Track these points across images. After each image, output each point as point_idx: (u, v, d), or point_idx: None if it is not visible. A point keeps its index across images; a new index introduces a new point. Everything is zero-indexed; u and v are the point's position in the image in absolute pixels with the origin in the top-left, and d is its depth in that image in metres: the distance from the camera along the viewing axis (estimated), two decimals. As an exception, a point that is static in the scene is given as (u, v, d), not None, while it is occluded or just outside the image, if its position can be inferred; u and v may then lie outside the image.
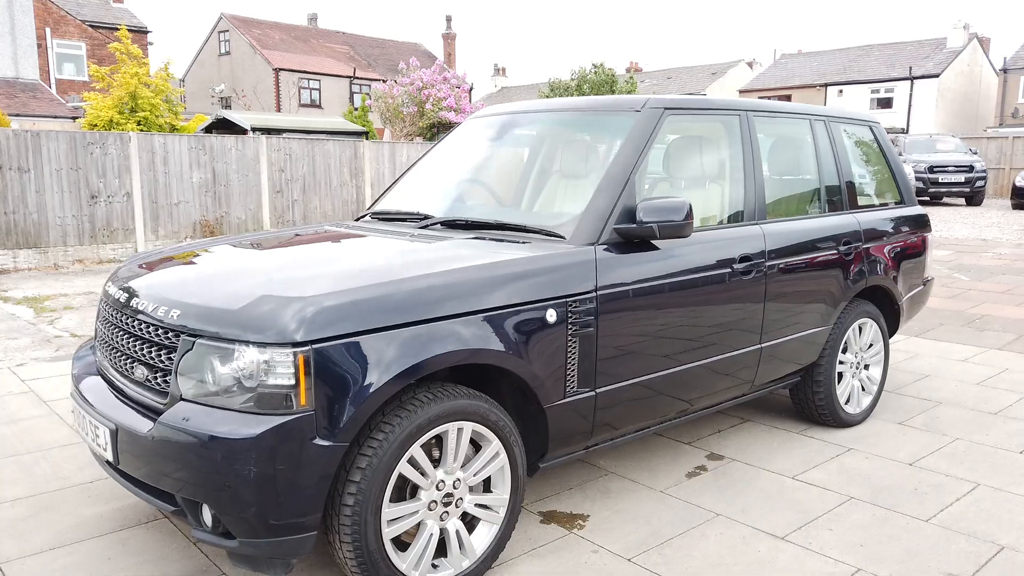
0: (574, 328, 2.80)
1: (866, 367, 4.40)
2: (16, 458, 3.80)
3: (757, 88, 45.97)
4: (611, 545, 2.98)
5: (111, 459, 2.51)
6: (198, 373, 2.32)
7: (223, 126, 16.18)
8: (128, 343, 2.62)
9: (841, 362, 4.17)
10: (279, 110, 35.11)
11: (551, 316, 2.73)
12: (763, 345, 3.62)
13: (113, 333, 2.74)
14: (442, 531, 2.58)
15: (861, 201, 4.34)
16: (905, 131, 38.16)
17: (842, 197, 4.17)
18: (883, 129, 4.72)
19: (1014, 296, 8.19)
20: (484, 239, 3.02)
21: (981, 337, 6.42)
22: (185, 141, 11.45)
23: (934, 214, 17.92)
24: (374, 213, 3.82)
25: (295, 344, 2.21)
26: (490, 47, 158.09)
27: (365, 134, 16.17)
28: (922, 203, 13.81)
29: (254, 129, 15.01)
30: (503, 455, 2.68)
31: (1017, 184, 19.55)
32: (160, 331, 2.47)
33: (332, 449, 2.27)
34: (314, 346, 2.23)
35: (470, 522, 2.68)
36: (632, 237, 2.99)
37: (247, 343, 2.25)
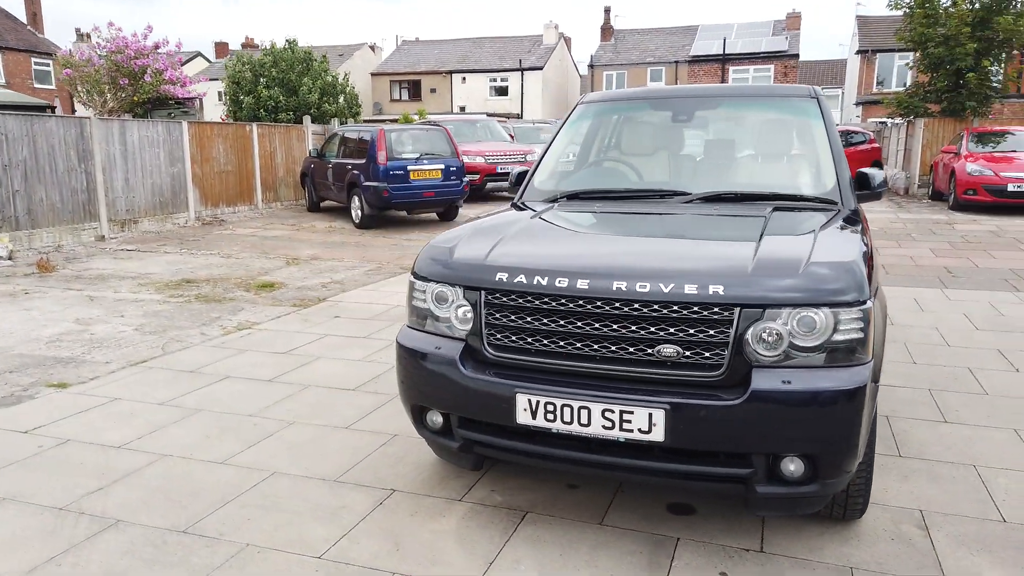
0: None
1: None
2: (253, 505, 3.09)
3: (388, 71, 47.69)
4: (872, 448, 3.71)
5: (662, 439, 2.48)
6: (772, 338, 2.48)
7: None
8: (633, 329, 2.56)
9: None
10: None
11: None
12: None
13: (590, 323, 2.61)
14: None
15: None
16: (520, 116, 43.10)
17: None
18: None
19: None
20: (791, 210, 3.40)
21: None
22: None
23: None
24: (571, 194, 3.81)
25: (863, 302, 2.53)
26: (75, 8, 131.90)
27: (52, 108, 13.32)
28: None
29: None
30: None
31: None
32: (696, 308, 2.51)
33: (877, 390, 2.65)
34: (870, 302, 2.57)
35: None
36: (865, 200, 3.71)
37: (821, 305, 2.48)
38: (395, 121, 24.69)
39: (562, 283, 2.66)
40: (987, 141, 15.39)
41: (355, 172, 12.60)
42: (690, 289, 2.53)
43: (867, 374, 2.50)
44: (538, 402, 2.61)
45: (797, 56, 41.41)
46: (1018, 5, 18.01)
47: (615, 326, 2.60)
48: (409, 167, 12.13)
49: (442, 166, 12.44)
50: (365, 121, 28.39)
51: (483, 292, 2.79)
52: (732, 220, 3.27)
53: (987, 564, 2.71)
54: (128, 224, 12.29)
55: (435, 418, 2.94)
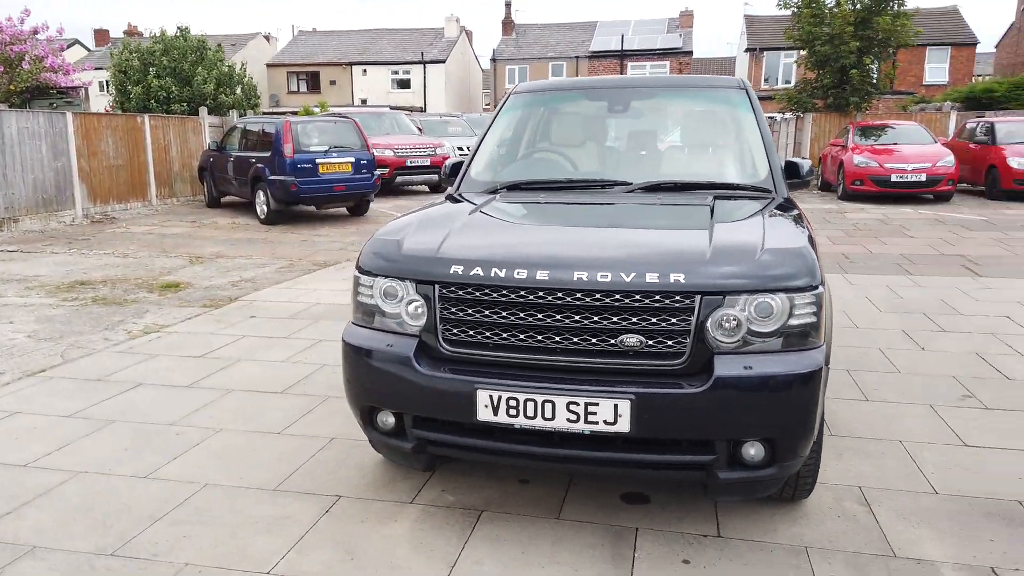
0: None
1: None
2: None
3: (285, 62, 46.18)
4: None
5: (628, 429, 2.45)
6: (731, 325, 2.49)
7: None
8: (595, 319, 2.51)
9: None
10: None
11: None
12: None
13: (551, 315, 2.55)
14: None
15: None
16: (423, 110, 42.62)
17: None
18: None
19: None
20: (730, 198, 3.43)
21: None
22: None
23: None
24: (510, 185, 3.74)
25: (816, 287, 2.57)
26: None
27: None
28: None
29: None
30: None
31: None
32: (658, 297, 2.49)
33: (828, 373, 2.70)
34: (822, 287, 2.62)
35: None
36: (795, 188, 3.80)
37: (777, 291, 2.51)
38: (295, 114, 23.94)
39: (521, 274, 2.59)
40: (870, 134, 16.33)
41: (259, 166, 12.08)
42: (651, 278, 2.51)
43: (821, 357, 2.55)
44: (499, 397, 2.53)
45: (691, 53, 42.78)
46: (895, 7, 19.20)
47: (576, 317, 2.55)
48: (318, 160, 11.73)
49: (352, 159, 12.10)
50: (264, 113, 27.42)
51: (437, 286, 2.68)
52: (679, 209, 3.28)
53: (927, 535, 2.82)
54: (7, 223, 11.36)
55: (387, 419, 2.81)
